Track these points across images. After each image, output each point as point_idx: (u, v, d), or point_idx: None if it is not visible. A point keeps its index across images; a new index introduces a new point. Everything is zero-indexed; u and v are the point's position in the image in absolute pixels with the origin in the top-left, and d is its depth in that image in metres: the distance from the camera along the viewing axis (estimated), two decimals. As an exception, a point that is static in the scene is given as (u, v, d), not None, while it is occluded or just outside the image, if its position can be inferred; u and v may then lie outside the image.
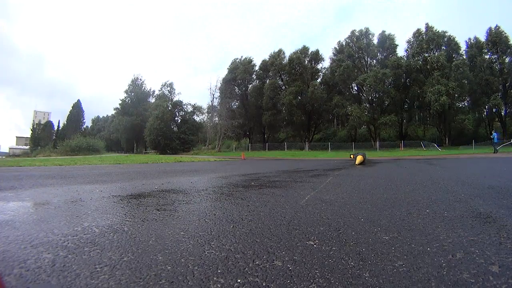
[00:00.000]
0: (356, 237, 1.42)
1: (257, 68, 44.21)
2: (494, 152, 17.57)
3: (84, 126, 79.08)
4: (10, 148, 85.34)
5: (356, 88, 38.70)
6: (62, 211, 2.13)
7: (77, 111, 76.88)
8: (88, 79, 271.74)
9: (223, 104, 40.96)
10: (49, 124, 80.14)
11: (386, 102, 36.46)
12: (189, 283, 0.93)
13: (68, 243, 1.34)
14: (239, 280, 0.95)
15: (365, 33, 38.20)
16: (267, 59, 42.74)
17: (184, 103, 48.45)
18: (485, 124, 36.35)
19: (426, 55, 33.95)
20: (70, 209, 2.20)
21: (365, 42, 37.63)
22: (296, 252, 1.21)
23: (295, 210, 2.07)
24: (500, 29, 33.94)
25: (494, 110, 34.58)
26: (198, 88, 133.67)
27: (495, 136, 18.62)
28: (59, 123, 75.94)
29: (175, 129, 46.73)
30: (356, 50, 37.41)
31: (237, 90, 44.05)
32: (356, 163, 8.81)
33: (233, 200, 2.59)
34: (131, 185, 3.90)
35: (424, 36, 35.10)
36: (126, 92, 57.02)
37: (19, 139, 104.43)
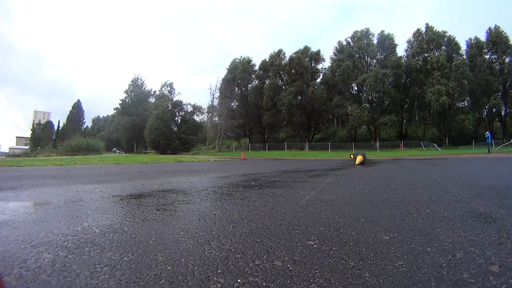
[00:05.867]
0: (356, 237, 1.42)
1: (256, 68, 44.25)
2: (488, 152, 17.54)
3: (84, 126, 79.03)
4: (10, 148, 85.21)
5: (356, 88, 38.72)
6: (62, 211, 2.13)
7: (77, 111, 76.78)
8: (88, 79, 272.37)
9: (223, 104, 40.96)
10: (49, 124, 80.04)
11: (386, 102, 36.45)
12: (189, 283, 0.93)
13: (68, 243, 1.34)
14: (239, 280, 0.95)
15: (365, 33, 38.20)
16: (267, 59, 42.77)
17: (184, 103, 48.54)
18: (485, 124, 36.33)
19: (426, 55, 33.96)
20: (70, 209, 2.20)
21: (365, 42, 37.63)
22: (296, 252, 1.21)
23: (295, 210, 2.08)
24: (500, 29, 33.97)
25: (494, 110, 34.60)
26: (198, 88, 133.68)
27: (489, 137, 18.71)
28: (59, 123, 75.97)
29: (175, 129, 46.73)
30: (357, 50, 37.42)
31: (236, 90, 44.05)
32: (356, 163, 8.81)
33: (233, 200, 2.59)
34: (131, 185, 3.90)
35: (424, 36, 35.12)
36: (126, 92, 57.03)
37: (19, 139, 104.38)
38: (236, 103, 44.78)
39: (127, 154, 38.93)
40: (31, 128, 76.82)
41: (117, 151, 53.73)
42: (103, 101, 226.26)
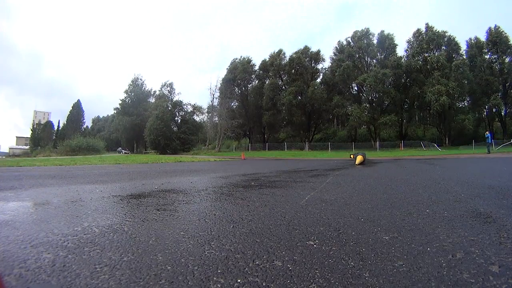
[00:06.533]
0: (356, 237, 1.42)
1: (256, 68, 44.25)
2: (488, 152, 17.56)
3: (84, 126, 79.13)
4: (10, 148, 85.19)
5: (356, 88, 38.72)
6: (62, 211, 2.13)
7: (77, 111, 76.82)
8: (88, 79, 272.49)
9: (223, 104, 40.97)
10: (49, 124, 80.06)
11: (386, 102, 36.45)
12: (189, 283, 0.93)
13: (68, 243, 1.34)
14: (239, 280, 0.95)
15: (365, 33, 38.20)
16: (267, 59, 42.79)
17: (184, 103, 48.51)
18: (485, 124, 36.33)
19: (426, 55, 33.95)
20: (70, 209, 2.20)
21: (365, 42, 37.62)
22: (296, 252, 1.21)
23: (295, 210, 2.07)
24: (500, 29, 33.97)
25: (494, 110, 34.60)
26: (198, 88, 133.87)
27: (489, 137, 18.76)
28: (59, 123, 76.10)
29: (175, 129, 46.69)
30: (357, 50, 37.43)
31: (236, 90, 44.06)
32: (356, 163, 8.81)
33: (233, 200, 2.59)
34: (131, 185, 3.90)
35: (424, 36, 35.10)
36: (126, 92, 57.03)
37: (19, 139, 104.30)
38: (236, 103, 44.78)
39: (128, 154, 38.89)
40: (31, 128, 76.87)
41: (122, 151, 50.12)
42: (103, 101, 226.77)
